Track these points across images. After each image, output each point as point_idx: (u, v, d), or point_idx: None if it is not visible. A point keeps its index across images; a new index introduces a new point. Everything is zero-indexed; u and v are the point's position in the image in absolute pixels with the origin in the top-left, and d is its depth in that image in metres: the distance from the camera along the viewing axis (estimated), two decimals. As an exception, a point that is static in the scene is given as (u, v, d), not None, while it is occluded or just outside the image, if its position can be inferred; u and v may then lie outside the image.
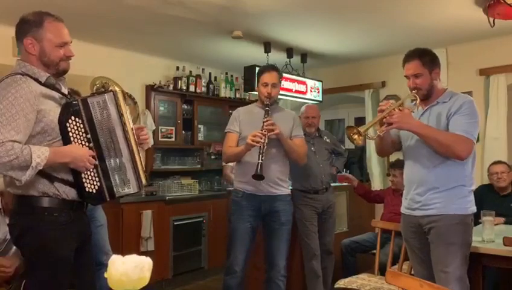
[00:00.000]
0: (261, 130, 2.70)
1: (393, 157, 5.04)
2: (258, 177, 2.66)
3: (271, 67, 2.98)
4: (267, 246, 2.95)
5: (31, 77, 1.77)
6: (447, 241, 2.19)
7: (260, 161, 2.64)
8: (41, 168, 1.68)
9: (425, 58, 2.32)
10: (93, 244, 2.92)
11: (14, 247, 2.30)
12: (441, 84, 2.41)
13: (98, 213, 2.98)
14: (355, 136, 2.29)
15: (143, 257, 0.86)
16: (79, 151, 1.80)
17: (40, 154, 1.67)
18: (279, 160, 2.92)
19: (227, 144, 2.97)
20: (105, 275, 0.83)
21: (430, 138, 2.22)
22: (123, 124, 1.90)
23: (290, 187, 3.83)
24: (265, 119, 2.75)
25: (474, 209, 2.29)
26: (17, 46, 1.89)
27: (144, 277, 0.85)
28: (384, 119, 2.27)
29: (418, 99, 2.35)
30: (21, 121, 1.67)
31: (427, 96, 2.35)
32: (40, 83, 1.79)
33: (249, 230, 2.91)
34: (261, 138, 2.67)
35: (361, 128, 2.29)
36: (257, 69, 4.40)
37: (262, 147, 2.66)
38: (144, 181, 1.95)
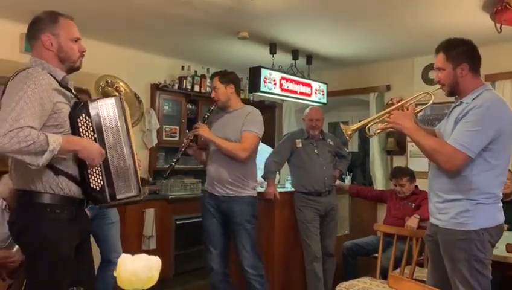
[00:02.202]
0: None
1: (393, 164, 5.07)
2: (165, 178, 3.02)
3: (212, 75, 3.22)
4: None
5: (49, 74, 1.81)
6: (451, 257, 2.05)
7: (172, 164, 3.01)
8: (56, 153, 1.70)
9: (451, 52, 2.10)
10: (102, 240, 2.95)
11: (17, 244, 2.31)
12: (476, 80, 2.12)
13: (109, 210, 2.99)
14: (349, 132, 2.30)
15: (152, 257, 0.87)
16: (91, 143, 1.83)
17: (55, 140, 1.70)
18: (230, 163, 2.99)
19: None
20: (114, 273, 0.84)
21: (416, 144, 2.08)
22: (127, 128, 1.94)
23: (292, 189, 3.86)
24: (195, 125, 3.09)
25: (484, 224, 2.00)
26: (30, 44, 1.91)
27: (153, 276, 0.86)
28: (386, 118, 2.19)
29: (432, 100, 2.25)
30: (38, 108, 1.70)
31: (451, 93, 2.16)
32: (56, 80, 1.83)
33: (217, 225, 3.06)
34: (183, 143, 3.06)
35: (346, 129, 2.30)
36: (262, 70, 4.43)
37: (179, 150, 3.04)
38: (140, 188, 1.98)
